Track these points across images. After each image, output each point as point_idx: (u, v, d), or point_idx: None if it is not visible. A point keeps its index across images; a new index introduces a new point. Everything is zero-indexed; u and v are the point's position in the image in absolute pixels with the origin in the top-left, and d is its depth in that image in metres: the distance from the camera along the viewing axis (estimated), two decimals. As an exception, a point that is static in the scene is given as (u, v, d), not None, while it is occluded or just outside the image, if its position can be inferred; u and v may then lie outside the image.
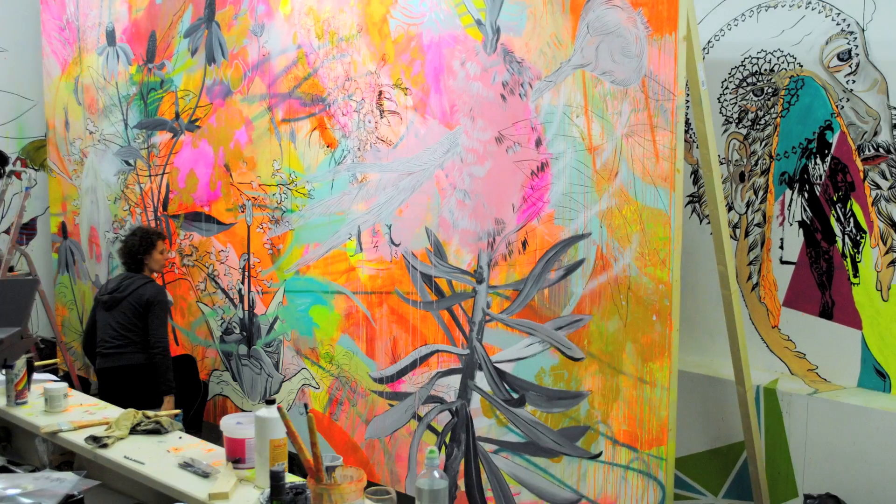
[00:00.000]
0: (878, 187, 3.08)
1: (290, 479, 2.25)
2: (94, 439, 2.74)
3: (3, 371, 3.15)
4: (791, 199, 3.32)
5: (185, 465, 2.54)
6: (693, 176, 3.60)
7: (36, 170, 5.91)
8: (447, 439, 3.39)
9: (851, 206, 3.16)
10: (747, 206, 3.43)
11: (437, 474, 2.04)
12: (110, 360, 4.23)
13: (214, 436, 2.79)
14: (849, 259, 3.18)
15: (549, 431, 3.04)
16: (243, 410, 4.35)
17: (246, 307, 4.33)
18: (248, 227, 4.25)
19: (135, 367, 4.20)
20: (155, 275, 4.48)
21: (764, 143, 3.36)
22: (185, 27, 4.55)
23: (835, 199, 3.20)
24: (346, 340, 3.77)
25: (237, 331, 4.40)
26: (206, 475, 2.47)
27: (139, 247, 4.38)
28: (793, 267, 3.33)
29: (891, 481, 2.95)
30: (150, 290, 4.28)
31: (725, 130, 3.46)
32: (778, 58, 3.30)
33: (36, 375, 3.32)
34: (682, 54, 2.62)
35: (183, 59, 4.59)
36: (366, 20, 3.55)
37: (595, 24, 2.80)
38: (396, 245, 3.51)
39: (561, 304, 2.98)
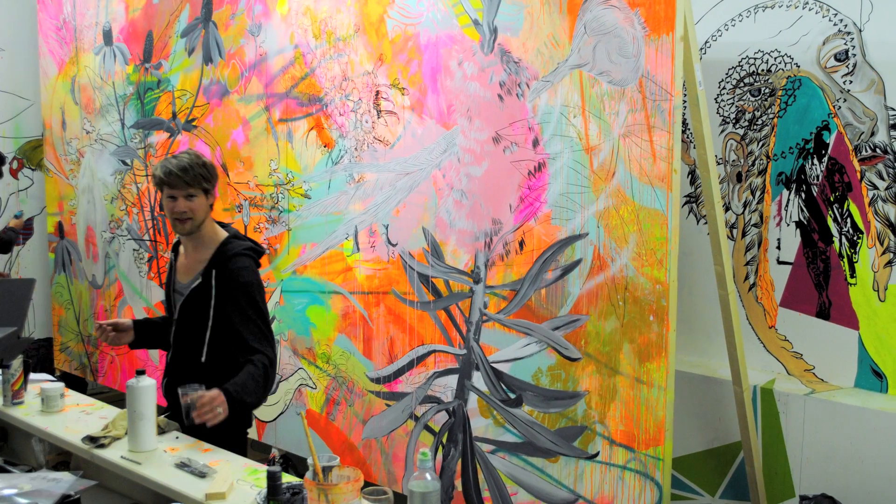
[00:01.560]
0: (875, 188, 3.09)
1: (287, 479, 2.26)
2: (91, 439, 2.74)
3: (0, 371, 3.15)
4: (788, 200, 3.32)
5: (182, 465, 2.54)
6: (690, 176, 3.60)
7: (32, 169, 5.91)
8: (444, 439, 3.39)
9: (848, 206, 3.16)
10: (744, 206, 3.43)
11: (429, 476, 2.04)
12: None
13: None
14: (846, 259, 3.18)
15: (546, 431, 3.04)
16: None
17: (243, 307, 4.33)
18: (245, 226, 4.25)
19: None
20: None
21: (761, 144, 3.36)
22: (182, 27, 4.54)
23: (832, 199, 3.20)
24: (343, 340, 3.77)
25: (234, 331, 4.39)
26: (202, 475, 2.47)
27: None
28: (790, 267, 3.34)
29: (887, 481, 2.95)
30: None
31: (722, 131, 3.47)
32: (775, 58, 3.30)
33: (32, 375, 3.32)
34: (680, 54, 2.62)
35: (180, 59, 4.59)
36: (363, 20, 3.55)
37: (592, 25, 2.81)
38: (393, 245, 3.51)
39: (558, 304, 2.99)
